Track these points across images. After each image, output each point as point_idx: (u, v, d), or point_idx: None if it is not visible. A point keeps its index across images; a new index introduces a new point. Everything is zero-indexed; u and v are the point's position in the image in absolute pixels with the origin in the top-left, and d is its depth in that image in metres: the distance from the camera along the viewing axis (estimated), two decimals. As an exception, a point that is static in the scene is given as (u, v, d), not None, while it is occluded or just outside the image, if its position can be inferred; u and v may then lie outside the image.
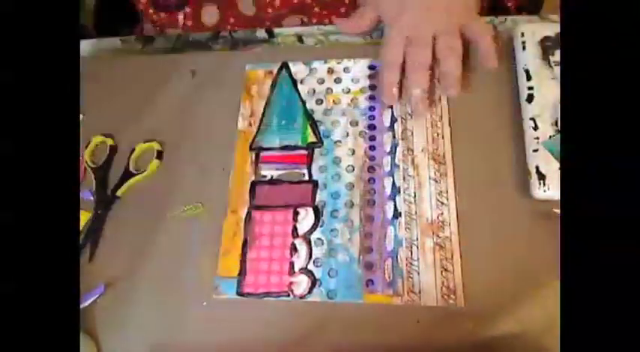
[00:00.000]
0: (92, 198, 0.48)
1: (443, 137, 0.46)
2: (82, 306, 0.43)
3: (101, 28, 0.72)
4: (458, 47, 0.47)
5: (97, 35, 0.69)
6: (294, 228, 0.44)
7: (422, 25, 0.47)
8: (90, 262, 0.46)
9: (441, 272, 0.41)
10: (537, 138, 0.43)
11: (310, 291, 0.42)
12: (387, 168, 0.45)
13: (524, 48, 0.46)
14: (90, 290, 0.44)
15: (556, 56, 0.45)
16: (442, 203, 0.43)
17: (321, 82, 0.51)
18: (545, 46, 0.46)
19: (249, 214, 0.45)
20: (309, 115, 0.49)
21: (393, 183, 0.45)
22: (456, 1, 0.48)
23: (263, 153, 0.48)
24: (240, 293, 0.42)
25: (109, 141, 0.51)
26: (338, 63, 0.51)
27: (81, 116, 0.52)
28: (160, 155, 0.50)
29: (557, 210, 0.40)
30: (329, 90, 0.50)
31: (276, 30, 0.56)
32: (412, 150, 0.46)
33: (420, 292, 0.40)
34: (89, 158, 0.51)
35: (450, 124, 0.46)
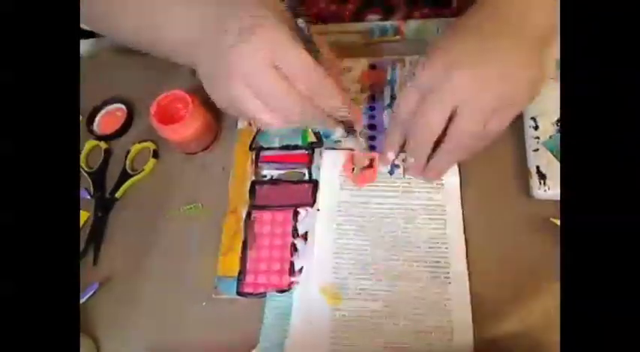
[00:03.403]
0: (89, 196, 0.48)
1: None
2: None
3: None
4: (480, 145, 0.39)
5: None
6: (294, 228, 0.44)
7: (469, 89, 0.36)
8: (94, 266, 0.45)
9: (441, 272, 0.41)
10: (537, 137, 0.43)
11: (310, 291, 0.41)
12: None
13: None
14: (84, 288, 0.43)
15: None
16: (442, 203, 0.43)
17: (321, 81, 0.51)
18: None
19: (249, 214, 0.45)
20: (309, 115, 0.49)
21: (393, 183, 0.45)
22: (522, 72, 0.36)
23: (263, 153, 0.48)
24: (239, 293, 0.42)
25: (103, 145, 0.51)
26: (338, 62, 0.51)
27: (80, 117, 0.52)
28: (155, 154, 0.50)
29: (555, 220, 0.40)
30: (329, 90, 0.50)
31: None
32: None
33: (420, 292, 0.40)
34: (84, 163, 0.50)
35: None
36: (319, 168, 0.46)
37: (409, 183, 0.44)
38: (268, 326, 0.40)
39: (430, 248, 0.41)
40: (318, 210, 0.44)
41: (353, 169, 0.45)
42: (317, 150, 0.47)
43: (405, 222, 0.43)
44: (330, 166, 0.46)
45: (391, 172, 0.45)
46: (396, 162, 0.44)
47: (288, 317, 0.40)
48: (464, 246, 0.41)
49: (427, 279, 0.40)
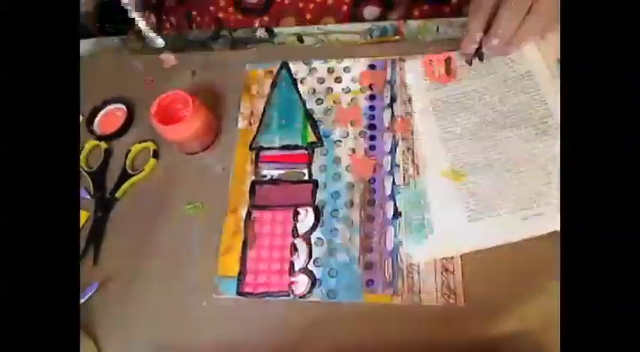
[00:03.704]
0: (89, 196, 0.48)
1: (443, 137, 0.46)
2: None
3: (101, 26, 0.72)
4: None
5: (98, 31, 0.68)
6: (294, 228, 0.44)
7: None
8: (94, 266, 0.45)
9: (442, 272, 0.41)
10: (537, 137, 0.43)
11: (310, 291, 0.42)
12: (387, 168, 0.45)
13: (524, 47, 0.47)
14: (84, 288, 0.44)
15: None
16: (442, 203, 0.43)
17: (321, 81, 0.51)
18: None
19: (249, 214, 0.45)
20: (309, 115, 0.49)
21: (393, 182, 0.45)
22: None
23: (263, 153, 0.48)
24: (240, 293, 0.42)
25: (103, 145, 0.51)
26: (338, 62, 0.51)
27: (81, 117, 0.52)
28: (155, 154, 0.50)
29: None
30: (329, 90, 0.50)
31: (276, 29, 0.56)
32: (412, 150, 0.46)
33: (420, 292, 0.40)
34: (84, 163, 0.50)
35: (450, 124, 0.46)
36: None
37: (490, 67, 0.47)
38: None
39: (531, 109, 0.44)
40: (415, 112, 0.47)
41: (433, 72, 0.49)
42: (317, 150, 0.47)
43: (499, 98, 0.46)
44: (413, 74, 0.49)
45: (469, 63, 0.48)
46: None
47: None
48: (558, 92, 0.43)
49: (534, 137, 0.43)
